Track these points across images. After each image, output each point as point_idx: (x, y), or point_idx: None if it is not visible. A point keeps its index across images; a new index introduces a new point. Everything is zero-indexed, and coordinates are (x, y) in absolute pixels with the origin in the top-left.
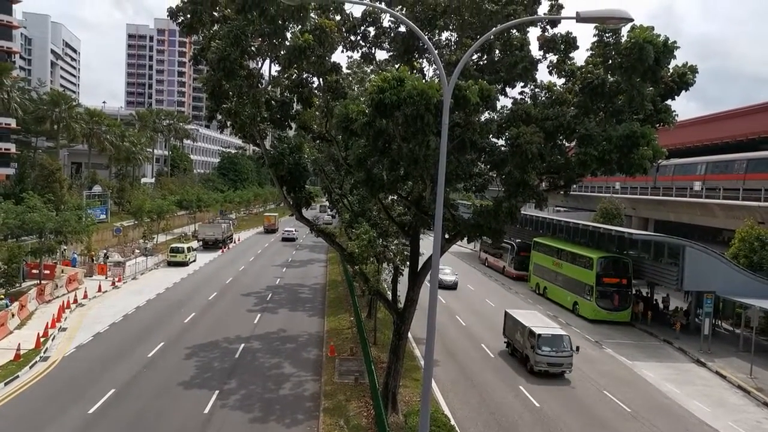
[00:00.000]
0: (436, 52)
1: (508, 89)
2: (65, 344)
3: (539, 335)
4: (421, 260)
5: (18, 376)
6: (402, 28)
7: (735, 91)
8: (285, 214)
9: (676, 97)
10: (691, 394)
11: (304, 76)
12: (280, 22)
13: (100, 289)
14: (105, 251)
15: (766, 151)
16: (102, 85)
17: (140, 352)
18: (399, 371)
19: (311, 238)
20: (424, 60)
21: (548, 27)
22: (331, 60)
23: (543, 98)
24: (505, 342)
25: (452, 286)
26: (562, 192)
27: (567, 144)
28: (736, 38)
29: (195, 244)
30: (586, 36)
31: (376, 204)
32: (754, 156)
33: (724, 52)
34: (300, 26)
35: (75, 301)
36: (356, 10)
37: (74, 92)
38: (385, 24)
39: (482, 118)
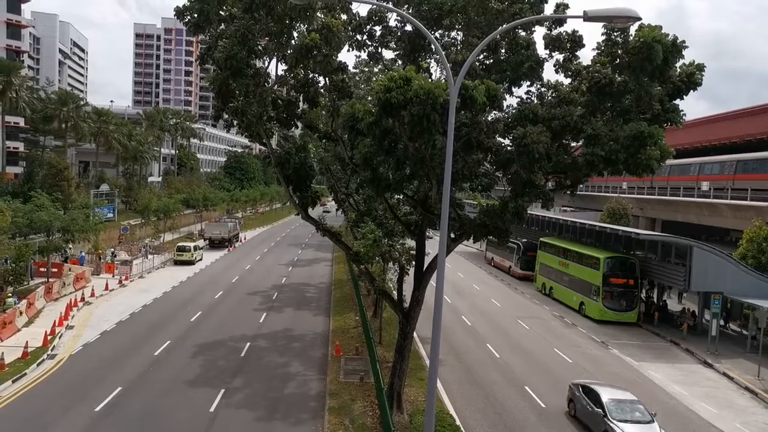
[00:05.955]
0: (443, 51)
1: (514, 88)
2: (72, 342)
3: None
4: (427, 260)
5: (26, 374)
6: (408, 27)
7: (745, 90)
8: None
9: (684, 96)
10: (698, 395)
11: (311, 76)
12: (287, 21)
13: (107, 288)
14: (112, 250)
15: (755, 152)
16: (109, 84)
17: (147, 350)
18: (404, 371)
19: (317, 237)
20: (432, 59)
21: (554, 25)
22: (338, 59)
23: (550, 98)
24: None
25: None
26: (568, 192)
27: (574, 144)
28: (746, 35)
29: (201, 242)
30: (592, 35)
31: (382, 203)
32: (742, 158)
33: (735, 50)
34: (307, 25)
35: (82, 299)
36: (362, 9)
37: (82, 91)
38: (392, 23)
39: (489, 118)
